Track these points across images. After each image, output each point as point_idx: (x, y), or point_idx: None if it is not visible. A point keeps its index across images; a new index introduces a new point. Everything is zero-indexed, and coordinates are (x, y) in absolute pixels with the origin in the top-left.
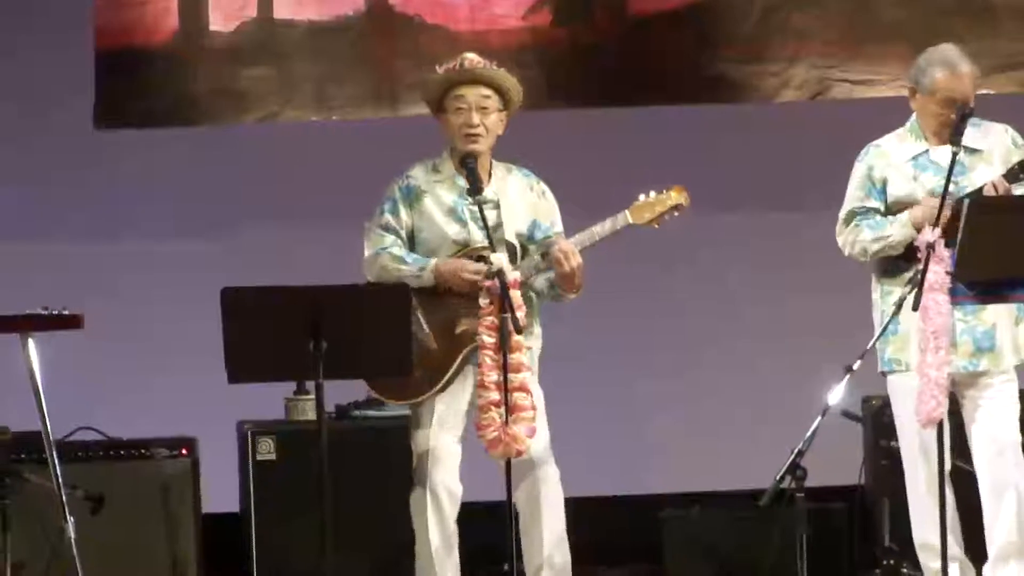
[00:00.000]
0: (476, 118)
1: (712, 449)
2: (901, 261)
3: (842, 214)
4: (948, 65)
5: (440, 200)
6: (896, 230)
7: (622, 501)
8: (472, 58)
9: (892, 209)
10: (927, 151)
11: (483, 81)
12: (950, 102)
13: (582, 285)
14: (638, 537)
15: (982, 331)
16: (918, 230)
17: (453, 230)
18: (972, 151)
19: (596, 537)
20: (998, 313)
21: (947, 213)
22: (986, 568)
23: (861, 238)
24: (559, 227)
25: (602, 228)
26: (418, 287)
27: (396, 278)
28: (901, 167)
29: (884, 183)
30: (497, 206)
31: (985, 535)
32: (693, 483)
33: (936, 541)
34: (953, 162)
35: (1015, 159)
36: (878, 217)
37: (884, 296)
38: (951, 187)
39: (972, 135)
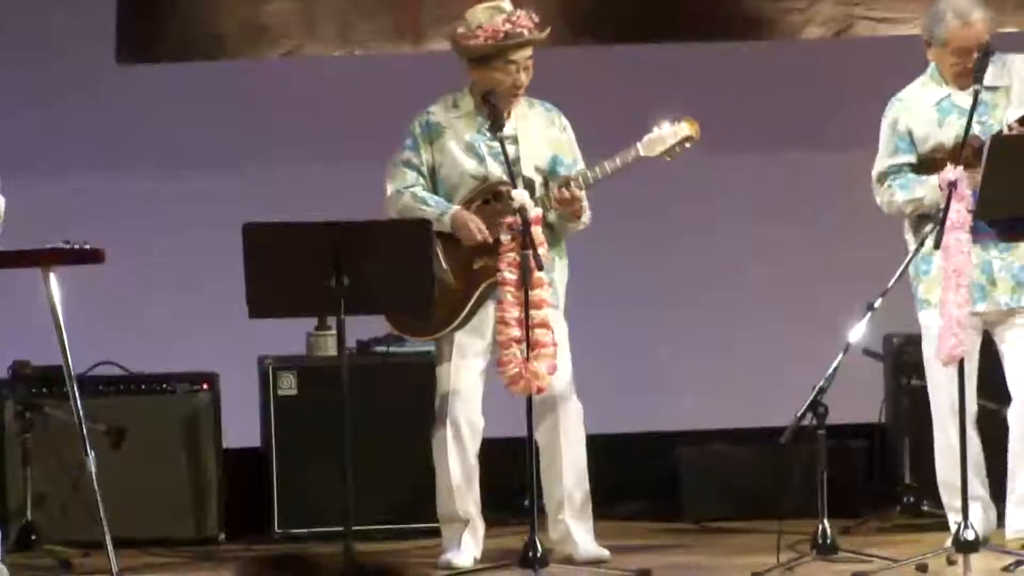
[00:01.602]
0: (524, 78)
1: (733, 386)
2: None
3: (874, 173)
4: (960, 15)
5: (459, 136)
6: (927, 192)
7: (641, 437)
8: (523, 20)
9: (923, 159)
10: (949, 95)
11: (535, 44)
12: (964, 51)
13: (583, 214)
14: (657, 474)
15: (1019, 267)
16: None
17: (471, 165)
18: (993, 89)
19: (615, 473)
20: None
21: (969, 153)
22: (1008, 507)
23: (896, 199)
24: (580, 162)
25: (613, 163)
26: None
27: (417, 218)
28: (925, 113)
29: (910, 133)
30: (515, 141)
31: (1008, 476)
32: (713, 420)
33: (957, 480)
34: (976, 101)
35: None
36: (909, 175)
37: (917, 236)
38: (977, 127)
39: (991, 72)
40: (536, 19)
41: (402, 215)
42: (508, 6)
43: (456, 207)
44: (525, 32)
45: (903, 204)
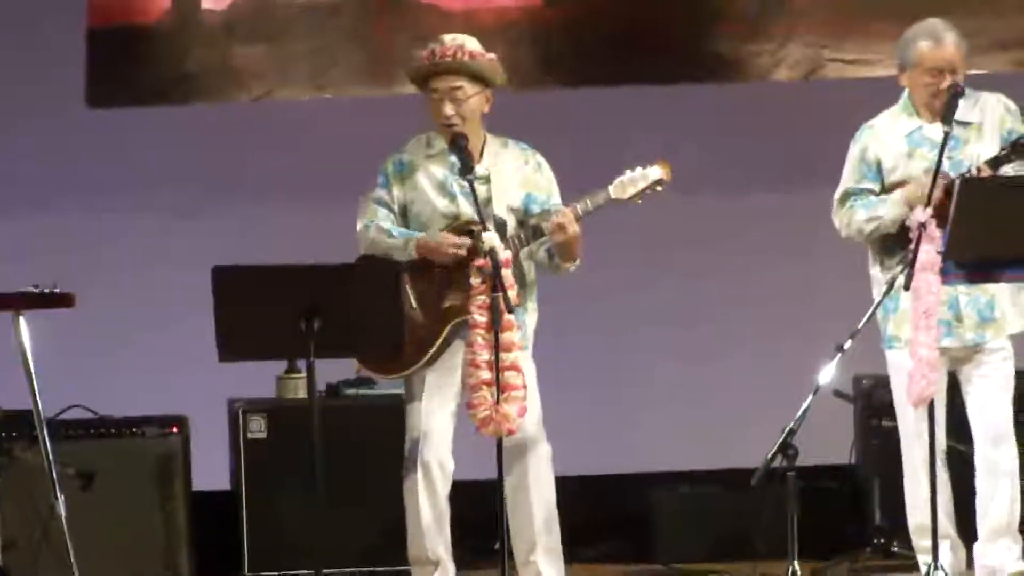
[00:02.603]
0: (449, 109)
1: (703, 428)
2: (900, 239)
3: (837, 195)
4: (931, 35)
5: (431, 174)
6: (888, 209)
7: (612, 479)
8: (446, 45)
9: (889, 188)
10: (920, 127)
11: (453, 71)
12: (937, 71)
13: (580, 256)
14: (628, 515)
15: (984, 301)
16: (911, 208)
17: (443, 204)
18: (965, 124)
19: (586, 515)
20: (999, 285)
21: (939, 194)
22: (977, 546)
23: (856, 218)
24: (557, 198)
25: (584, 204)
26: (407, 260)
27: (384, 251)
28: (895, 145)
29: (878, 163)
30: (487, 181)
31: (977, 514)
32: (684, 462)
33: (928, 520)
34: (945, 141)
35: (1008, 126)
36: (872, 197)
37: (884, 272)
38: (947, 163)
39: (964, 108)
40: (471, 51)
41: (371, 248)
42: (459, 39)
43: (420, 234)
44: (446, 59)
45: (864, 222)
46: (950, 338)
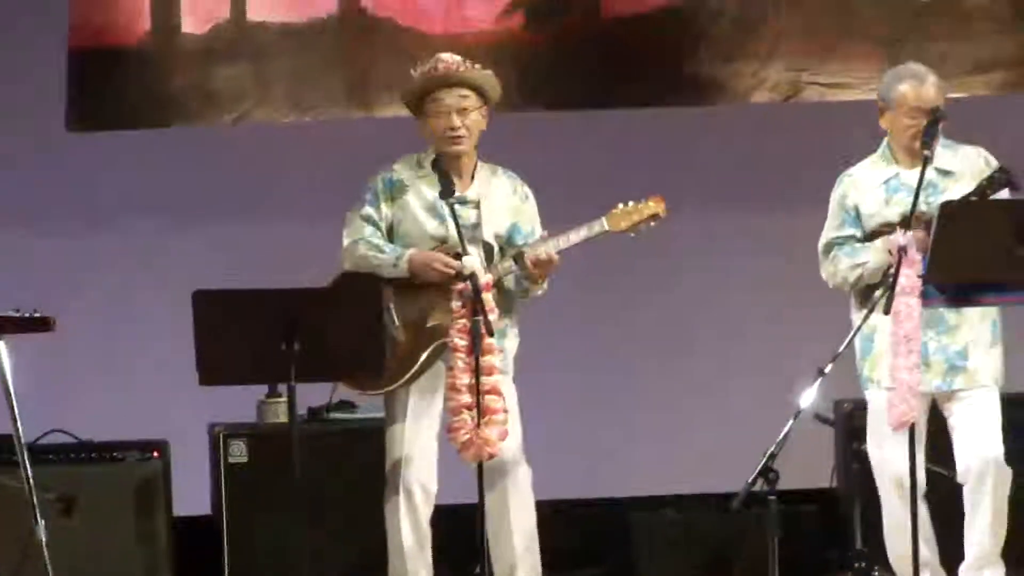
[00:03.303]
0: (456, 120)
1: (684, 452)
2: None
3: (820, 245)
4: (914, 76)
5: (422, 195)
6: (871, 255)
7: (593, 503)
8: (447, 60)
9: (869, 235)
10: (898, 174)
11: (460, 83)
12: (918, 111)
13: (546, 280)
14: (609, 540)
15: (955, 350)
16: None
17: (432, 226)
18: (945, 172)
19: (567, 539)
20: (972, 333)
21: (920, 234)
22: (961, 572)
23: (840, 268)
24: (539, 233)
25: (577, 233)
26: (394, 278)
27: (373, 266)
28: (873, 192)
29: (857, 210)
30: (477, 206)
31: (965, 541)
32: (665, 486)
33: (909, 552)
34: (924, 167)
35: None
36: (856, 244)
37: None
38: (924, 207)
39: (944, 157)
40: (468, 63)
41: (357, 265)
42: (456, 56)
43: (412, 250)
44: (453, 71)
45: (847, 270)
46: None
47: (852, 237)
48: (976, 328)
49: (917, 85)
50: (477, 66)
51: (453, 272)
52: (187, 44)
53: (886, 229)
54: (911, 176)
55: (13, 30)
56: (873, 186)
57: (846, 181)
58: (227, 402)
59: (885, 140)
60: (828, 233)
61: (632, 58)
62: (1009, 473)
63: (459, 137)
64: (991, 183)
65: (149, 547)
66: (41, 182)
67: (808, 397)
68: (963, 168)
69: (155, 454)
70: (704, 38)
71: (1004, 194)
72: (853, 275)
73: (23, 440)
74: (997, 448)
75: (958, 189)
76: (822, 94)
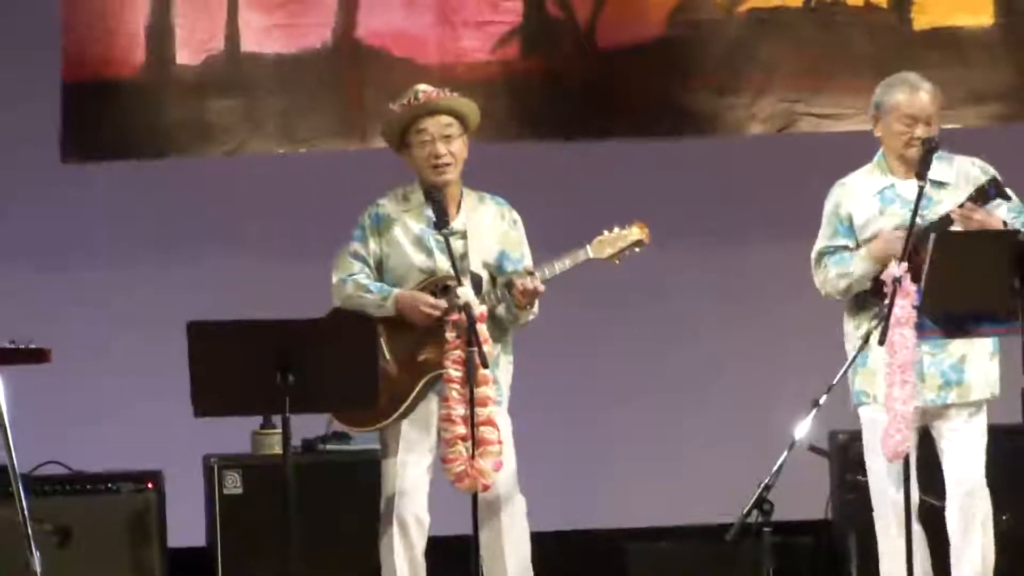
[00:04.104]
0: (442, 148)
1: (679, 483)
2: (871, 295)
3: (813, 254)
4: (908, 83)
5: (408, 229)
6: (857, 264)
7: (588, 535)
8: (426, 89)
9: (861, 244)
10: (892, 185)
11: (442, 111)
12: (912, 119)
13: (534, 306)
14: (604, 571)
15: (950, 364)
16: (880, 263)
17: (419, 259)
18: (939, 184)
19: (562, 571)
20: (968, 346)
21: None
22: None
23: (830, 277)
24: (528, 259)
25: (562, 263)
26: (385, 316)
27: (360, 306)
28: (867, 202)
29: (850, 219)
30: (464, 236)
31: (952, 571)
32: (660, 517)
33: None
34: (920, 197)
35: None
36: (845, 254)
37: (856, 328)
38: (919, 221)
39: (938, 168)
40: (446, 91)
41: (346, 303)
42: (433, 87)
43: (397, 290)
44: (434, 99)
45: (836, 279)
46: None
47: (844, 247)
48: (972, 340)
49: (911, 92)
50: (455, 93)
51: (438, 313)
52: (181, 75)
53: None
54: (905, 187)
55: (6, 63)
56: (867, 195)
57: (839, 190)
58: (222, 433)
59: (880, 150)
60: (820, 242)
61: (626, 90)
62: (987, 498)
63: (445, 165)
64: (982, 195)
65: None
66: (36, 215)
67: (803, 428)
68: (957, 179)
69: (150, 485)
70: (697, 70)
71: (1003, 211)
72: (842, 284)
73: (18, 471)
74: (980, 473)
75: (952, 200)
76: (816, 125)
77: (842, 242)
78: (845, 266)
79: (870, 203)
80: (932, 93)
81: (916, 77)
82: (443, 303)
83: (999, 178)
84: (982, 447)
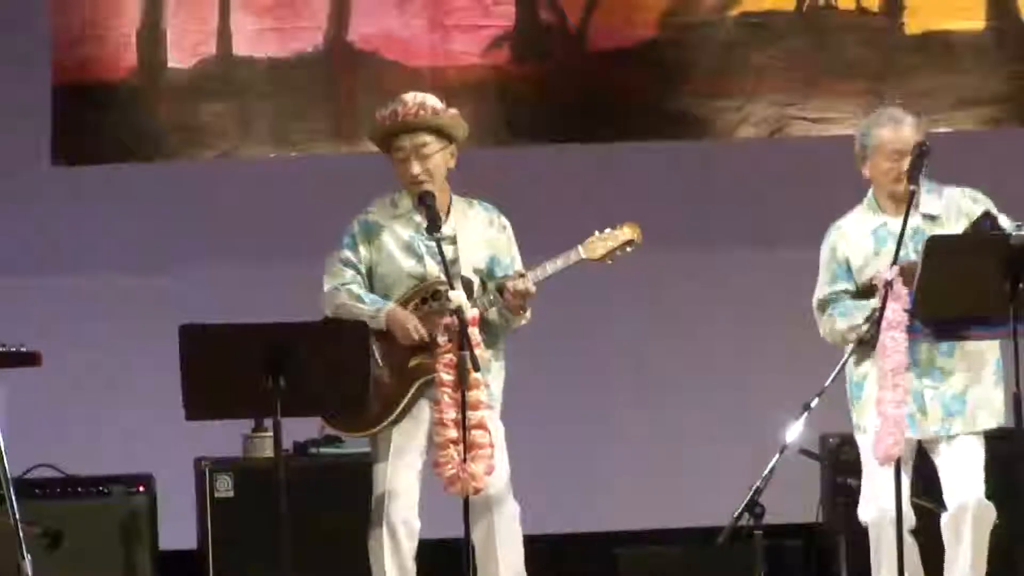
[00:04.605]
0: (416, 167)
1: (670, 486)
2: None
3: (815, 301)
4: (891, 119)
5: (397, 235)
6: (866, 316)
7: (579, 538)
8: (407, 104)
9: (862, 288)
10: (885, 223)
11: (417, 128)
12: (898, 153)
13: (528, 309)
14: (595, 574)
15: (951, 395)
16: None
17: (409, 265)
18: (930, 218)
19: (553, 574)
20: (971, 377)
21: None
22: None
23: (836, 328)
24: (519, 263)
25: (554, 264)
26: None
27: (352, 316)
28: (862, 243)
29: (848, 262)
30: (454, 241)
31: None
32: (650, 520)
33: None
34: (912, 198)
35: (978, 213)
36: (847, 301)
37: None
38: (913, 255)
39: (928, 201)
40: (433, 107)
41: (337, 312)
42: (419, 97)
43: (391, 304)
44: (409, 116)
45: (846, 331)
46: (913, 431)
47: (845, 292)
48: (973, 369)
49: (894, 127)
50: (440, 106)
51: (418, 338)
52: (173, 79)
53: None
54: (897, 224)
55: None
56: (861, 236)
57: (835, 233)
58: (213, 436)
59: (870, 191)
60: (822, 289)
61: (617, 93)
62: (992, 511)
63: (419, 182)
64: (976, 230)
65: None
66: (26, 218)
67: (794, 432)
68: (948, 211)
69: (141, 488)
70: (689, 73)
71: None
72: (852, 336)
73: (10, 475)
74: (979, 487)
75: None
76: (808, 129)
77: (842, 286)
78: (852, 319)
79: (865, 244)
80: (915, 125)
81: (897, 111)
82: (425, 332)
83: (992, 212)
84: (980, 462)
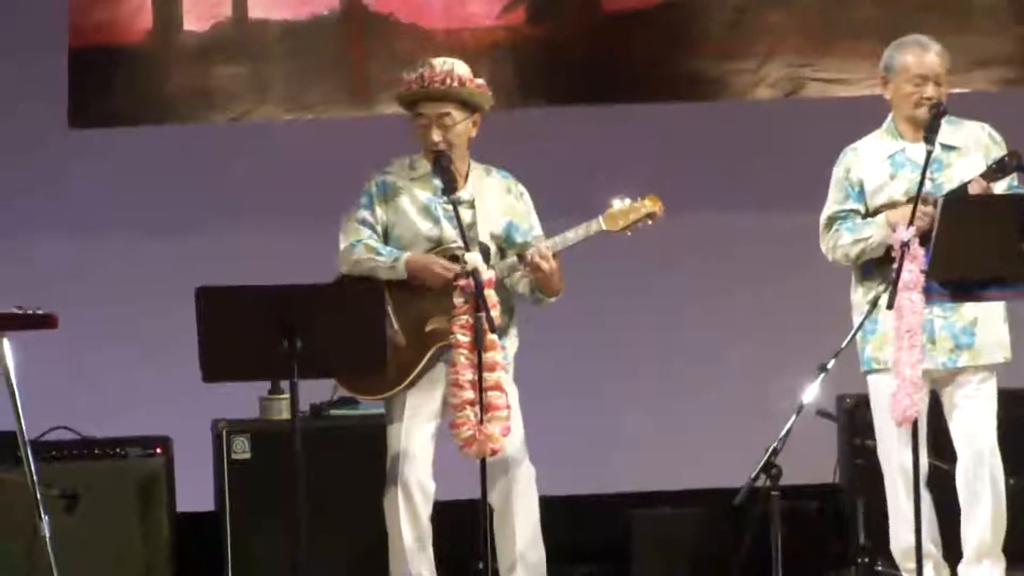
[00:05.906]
0: (436, 135)
1: (686, 447)
2: (881, 262)
3: (822, 219)
4: (917, 44)
5: (415, 197)
6: (874, 231)
7: (594, 499)
8: (435, 69)
9: (873, 211)
10: (903, 149)
11: (442, 99)
12: (922, 78)
13: (561, 288)
14: (609, 536)
15: (961, 327)
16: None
17: (426, 227)
18: (949, 148)
19: (567, 535)
20: (980, 309)
21: (924, 212)
22: (961, 567)
23: (841, 242)
24: (538, 230)
25: (575, 233)
26: (391, 280)
27: (370, 269)
28: (878, 166)
29: (861, 184)
30: (472, 206)
31: (961, 535)
32: (668, 482)
33: (912, 542)
34: (927, 161)
35: (993, 155)
36: (857, 219)
37: (864, 296)
38: (929, 184)
39: (947, 132)
40: (460, 76)
41: (354, 268)
42: (448, 63)
43: (408, 253)
44: (435, 85)
45: (849, 245)
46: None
47: (855, 211)
48: (986, 304)
49: (920, 53)
50: (468, 75)
51: (451, 275)
52: (188, 42)
53: (890, 208)
54: (916, 151)
55: (12, 29)
56: (878, 160)
57: (850, 155)
58: (230, 399)
59: (890, 115)
60: (831, 207)
61: (632, 54)
62: (1000, 462)
63: (440, 152)
64: (1002, 167)
65: (152, 542)
66: (43, 181)
67: (811, 393)
68: (967, 142)
69: (158, 450)
70: (704, 34)
71: (1002, 186)
72: (855, 250)
73: (27, 437)
74: (993, 437)
75: (963, 163)
76: (823, 90)
77: (852, 206)
78: (859, 232)
79: (881, 168)
80: (941, 54)
81: (925, 38)
82: (455, 265)
83: (1019, 151)
84: (993, 412)
